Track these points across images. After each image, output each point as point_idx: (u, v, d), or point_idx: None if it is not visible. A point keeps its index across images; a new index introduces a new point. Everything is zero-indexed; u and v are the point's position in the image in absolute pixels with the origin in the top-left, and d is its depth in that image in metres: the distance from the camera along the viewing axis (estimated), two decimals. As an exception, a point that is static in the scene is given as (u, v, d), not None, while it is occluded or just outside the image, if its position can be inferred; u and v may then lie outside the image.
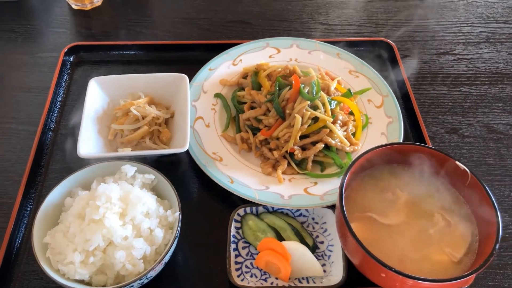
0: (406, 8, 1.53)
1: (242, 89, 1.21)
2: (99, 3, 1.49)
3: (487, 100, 1.27)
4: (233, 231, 0.94)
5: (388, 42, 1.36)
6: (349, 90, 1.16)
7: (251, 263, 0.92)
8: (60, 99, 1.22)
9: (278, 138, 1.07)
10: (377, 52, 1.37)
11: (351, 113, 1.14)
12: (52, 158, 1.10)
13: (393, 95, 1.17)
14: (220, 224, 0.96)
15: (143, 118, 1.07)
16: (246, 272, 0.90)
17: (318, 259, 0.91)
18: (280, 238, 0.93)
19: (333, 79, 1.19)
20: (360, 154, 0.88)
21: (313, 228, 0.98)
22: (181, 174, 1.06)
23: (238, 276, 0.89)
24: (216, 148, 1.08)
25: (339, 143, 1.07)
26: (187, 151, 1.03)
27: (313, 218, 0.99)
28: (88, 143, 1.00)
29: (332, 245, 0.93)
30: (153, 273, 0.82)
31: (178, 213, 0.86)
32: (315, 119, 1.06)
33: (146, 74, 1.14)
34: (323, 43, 1.31)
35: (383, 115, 1.15)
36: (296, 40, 1.32)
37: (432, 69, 1.35)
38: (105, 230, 0.80)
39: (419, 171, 0.91)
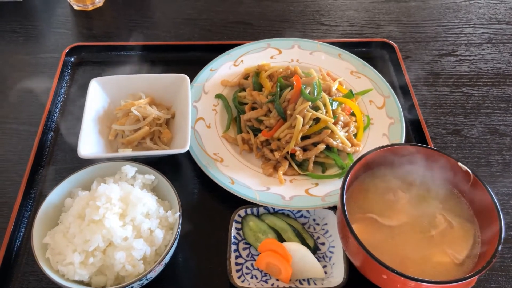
0: (407, 9, 1.53)
1: (243, 89, 1.20)
2: (100, 4, 1.49)
3: (489, 101, 1.26)
4: (233, 232, 0.94)
5: (389, 43, 1.36)
6: (350, 91, 1.16)
7: (252, 264, 0.91)
8: (61, 99, 1.22)
9: (279, 139, 1.07)
10: (379, 53, 1.36)
11: (352, 114, 1.13)
12: (52, 159, 1.10)
13: (395, 96, 1.17)
14: (221, 225, 0.96)
15: (144, 118, 1.07)
16: (247, 273, 0.90)
17: (319, 261, 0.90)
18: (281, 239, 0.93)
19: (334, 80, 1.19)
20: (362, 155, 0.88)
21: (314, 229, 0.97)
22: (182, 175, 1.05)
23: (239, 277, 0.88)
24: (217, 149, 1.08)
25: (340, 144, 1.06)
26: (188, 152, 1.03)
27: (314, 219, 0.98)
28: (89, 143, 1.00)
29: (333, 247, 0.93)
30: (153, 274, 0.82)
31: (178, 213, 0.86)
32: (317, 120, 1.06)
33: (147, 74, 1.14)
34: (325, 43, 1.30)
35: (384, 116, 1.14)
36: (298, 40, 1.31)
37: (434, 70, 1.34)
38: (105, 230, 0.80)
39: (421, 172, 0.90)
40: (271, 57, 1.27)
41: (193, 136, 1.08)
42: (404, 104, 1.20)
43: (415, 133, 1.16)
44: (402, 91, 1.25)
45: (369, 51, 1.36)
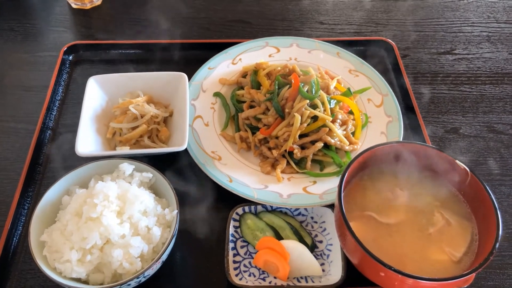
0: (406, 8, 1.53)
1: (242, 88, 1.20)
2: (98, 3, 1.49)
3: (488, 99, 1.27)
4: (231, 230, 0.94)
5: (388, 41, 1.36)
6: (348, 89, 1.16)
7: (250, 262, 0.91)
8: (59, 98, 1.22)
9: (277, 137, 1.07)
10: (377, 52, 1.36)
11: (350, 112, 1.13)
12: (50, 157, 1.10)
13: (393, 95, 1.17)
14: (219, 223, 0.96)
15: (142, 116, 1.06)
16: (245, 271, 0.90)
17: (317, 258, 0.90)
18: (279, 237, 0.93)
19: (332, 78, 1.19)
20: (359, 153, 0.88)
21: (312, 227, 0.97)
22: (180, 173, 1.05)
23: (237, 275, 0.88)
24: (215, 147, 1.08)
25: (338, 142, 1.06)
26: (186, 150, 1.03)
27: (312, 217, 0.98)
28: (87, 141, 1.00)
29: (331, 244, 0.93)
30: (150, 272, 0.82)
31: (176, 211, 0.86)
32: (315, 118, 1.06)
33: (145, 72, 1.14)
34: (323, 42, 1.30)
35: (382, 114, 1.14)
36: (296, 39, 1.31)
37: (432, 68, 1.34)
38: (102, 228, 0.79)
39: (419, 170, 0.91)
40: (270, 56, 1.27)
41: (191, 134, 1.08)
42: (402, 102, 1.20)
43: (413, 131, 1.16)
44: (400, 90, 1.25)
45: (367, 50, 1.36)
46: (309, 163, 1.05)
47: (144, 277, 0.81)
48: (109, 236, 0.80)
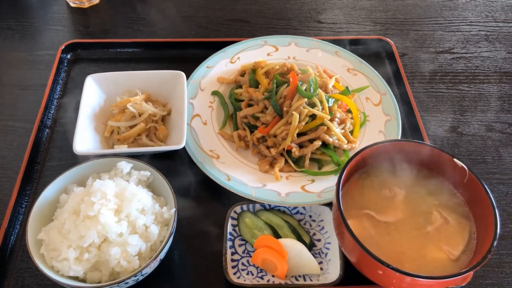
0: (404, 7, 1.53)
1: (240, 86, 1.20)
2: (97, 1, 1.49)
3: (486, 98, 1.27)
4: (229, 228, 0.93)
5: (386, 40, 1.36)
6: (347, 88, 1.16)
7: (248, 261, 0.91)
8: (57, 96, 1.21)
9: (275, 136, 1.07)
10: (376, 50, 1.36)
11: (349, 111, 1.13)
12: (48, 155, 1.09)
13: (391, 93, 1.17)
14: (217, 221, 0.96)
15: (140, 115, 1.06)
16: (243, 270, 0.90)
17: (315, 257, 0.90)
18: (277, 235, 0.93)
19: (331, 77, 1.19)
20: (358, 151, 0.88)
21: (310, 225, 0.97)
22: (178, 171, 1.05)
23: (235, 273, 0.88)
24: (213, 146, 1.08)
25: (336, 141, 1.06)
26: (184, 149, 1.02)
27: (310, 216, 0.98)
28: (84, 140, 1.00)
29: (329, 243, 0.93)
30: (148, 270, 0.81)
31: (174, 209, 0.86)
32: (313, 117, 1.06)
33: (143, 71, 1.14)
34: (322, 41, 1.30)
35: (381, 113, 1.14)
36: (295, 38, 1.31)
37: (430, 67, 1.34)
38: (100, 226, 0.79)
39: (417, 168, 0.91)
40: (268, 54, 1.27)
41: (189, 133, 1.08)
42: (400, 101, 1.20)
43: (411, 130, 1.16)
44: (399, 89, 1.25)
45: (366, 49, 1.36)
46: (307, 161, 1.05)
47: (142, 275, 0.81)
48: (106, 234, 0.80)
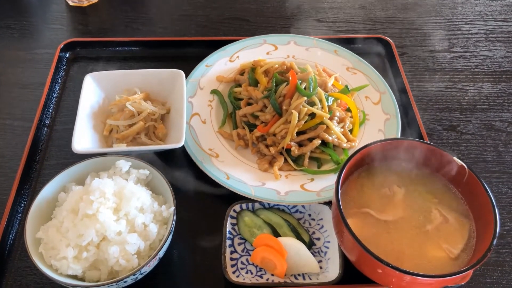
0: (404, 6, 1.53)
1: (239, 85, 1.20)
2: (95, 0, 1.48)
3: (485, 97, 1.27)
4: (228, 227, 0.93)
5: (386, 39, 1.35)
6: (346, 86, 1.16)
7: (247, 259, 0.91)
8: (56, 95, 1.21)
9: (274, 134, 1.07)
10: (375, 49, 1.36)
11: (348, 110, 1.13)
12: (47, 154, 1.09)
13: (391, 92, 1.17)
14: (216, 220, 0.95)
15: (139, 113, 1.06)
16: (242, 269, 0.89)
17: (314, 256, 0.90)
18: (276, 234, 0.92)
19: (330, 76, 1.18)
20: (357, 150, 0.87)
21: (310, 224, 0.97)
22: (177, 170, 1.05)
23: (234, 272, 0.88)
24: (212, 145, 1.07)
25: (336, 140, 1.06)
26: (183, 148, 1.02)
27: (309, 215, 0.98)
28: (83, 138, 0.99)
29: (329, 242, 0.93)
30: (147, 269, 0.81)
31: (173, 208, 0.85)
32: (312, 115, 1.06)
33: (142, 70, 1.14)
34: (321, 40, 1.30)
35: (380, 111, 1.14)
36: (294, 37, 1.31)
37: (430, 66, 1.34)
38: (98, 225, 0.79)
39: (416, 167, 0.90)
40: (267, 53, 1.27)
41: (188, 132, 1.08)
42: (400, 100, 1.20)
43: (411, 129, 1.16)
44: (398, 87, 1.24)
45: (365, 48, 1.36)
46: (306, 160, 1.05)
47: (141, 274, 0.81)
48: (105, 233, 0.79)
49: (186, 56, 1.30)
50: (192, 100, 1.15)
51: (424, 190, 0.89)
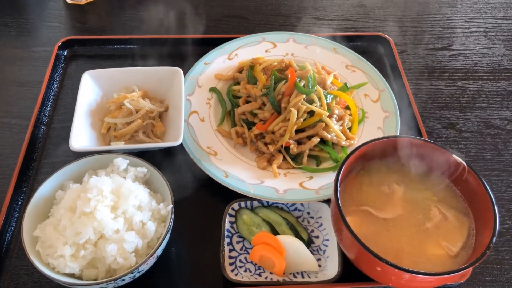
0: (403, 3, 1.52)
1: (238, 83, 1.20)
2: (94, -2, 1.48)
3: (485, 95, 1.26)
4: (227, 225, 0.93)
5: (385, 37, 1.35)
6: (345, 84, 1.15)
7: (245, 258, 0.90)
8: (53, 93, 1.20)
9: (273, 132, 1.06)
10: (374, 47, 1.36)
11: (347, 108, 1.13)
12: (44, 152, 1.08)
13: (390, 90, 1.16)
14: (214, 218, 0.95)
15: (137, 111, 1.05)
16: (240, 267, 0.89)
17: (313, 254, 0.89)
18: (275, 232, 0.92)
19: (329, 74, 1.18)
20: (356, 147, 0.87)
21: (308, 222, 0.97)
22: (175, 168, 1.04)
23: (232, 270, 0.87)
24: (211, 143, 1.07)
25: (335, 137, 1.06)
26: (181, 145, 1.02)
27: (308, 213, 0.97)
28: (81, 136, 0.99)
29: (328, 240, 0.92)
30: (145, 267, 0.81)
31: (171, 206, 0.85)
32: (311, 113, 1.05)
33: (140, 67, 1.13)
34: (320, 37, 1.30)
35: (379, 109, 1.14)
36: (293, 34, 1.30)
37: (429, 64, 1.34)
38: (96, 223, 0.78)
39: (416, 164, 0.90)
40: (266, 51, 1.26)
41: (186, 130, 1.07)
42: (399, 98, 1.19)
43: (410, 127, 1.15)
44: (397, 85, 1.24)
45: (364, 45, 1.35)
46: (305, 158, 1.04)
47: (139, 272, 0.80)
48: (103, 231, 0.79)
49: (184, 54, 1.29)
50: (190, 98, 1.15)
51: (423, 188, 0.88)
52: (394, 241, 0.82)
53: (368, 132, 1.10)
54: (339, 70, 1.22)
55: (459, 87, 1.28)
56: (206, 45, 1.27)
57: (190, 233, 0.95)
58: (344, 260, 0.87)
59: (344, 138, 1.07)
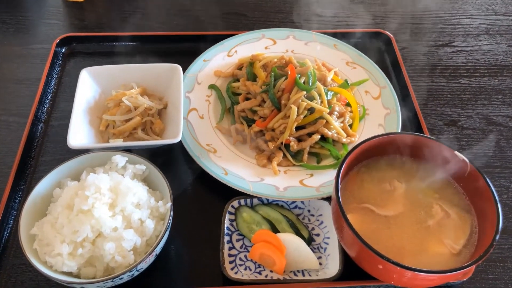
0: (404, 0, 1.51)
1: (237, 80, 1.19)
2: (92, -5, 1.47)
3: (487, 92, 1.25)
4: (227, 223, 0.92)
5: (386, 33, 1.34)
6: (346, 81, 1.14)
7: (245, 256, 0.90)
8: (52, 90, 1.20)
9: (273, 130, 1.05)
10: (375, 44, 1.35)
11: (348, 104, 1.12)
12: (42, 150, 1.08)
13: (391, 87, 1.15)
14: (214, 216, 0.94)
15: (135, 108, 1.04)
16: (240, 265, 0.88)
17: (314, 252, 0.89)
18: (275, 230, 0.91)
19: (329, 70, 1.17)
20: (357, 144, 0.86)
21: (309, 220, 0.96)
22: (174, 165, 1.03)
23: (232, 269, 0.87)
24: (210, 140, 1.06)
25: (335, 134, 1.05)
26: (181, 143, 1.01)
27: (309, 210, 0.97)
28: (79, 134, 0.98)
29: (328, 238, 0.91)
30: (143, 265, 0.80)
31: (169, 203, 0.84)
32: (311, 110, 1.04)
33: (138, 64, 1.13)
34: (320, 34, 1.29)
35: (380, 106, 1.13)
36: (293, 31, 1.29)
37: (430, 61, 1.33)
38: (94, 220, 0.78)
39: (417, 162, 0.89)
40: (266, 48, 1.25)
41: (185, 127, 1.06)
42: (400, 94, 1.18)
43: (411, 124, 1.15)
44: (399, 82, 1.23)
45: (365, 42, 1.34)
46: (305, 155, 1.03)
47: (137, 270, 0.79)
48: (100, 229, 0.78)
49: (183, 50, 1.28)
50: (189, 95, 1.14)
51: (425, 185, 0.87)
52: (395, 238, 0.81)
53: (369, 129, 1.09)
54: (339, 67, 1.21)
55: (461, 84, 1.27)
56: (205, 42, 1.26)
57: (189, 231, 0.94)
58: (345, 258, 0.86)
59: (345, 135, 1.06)
